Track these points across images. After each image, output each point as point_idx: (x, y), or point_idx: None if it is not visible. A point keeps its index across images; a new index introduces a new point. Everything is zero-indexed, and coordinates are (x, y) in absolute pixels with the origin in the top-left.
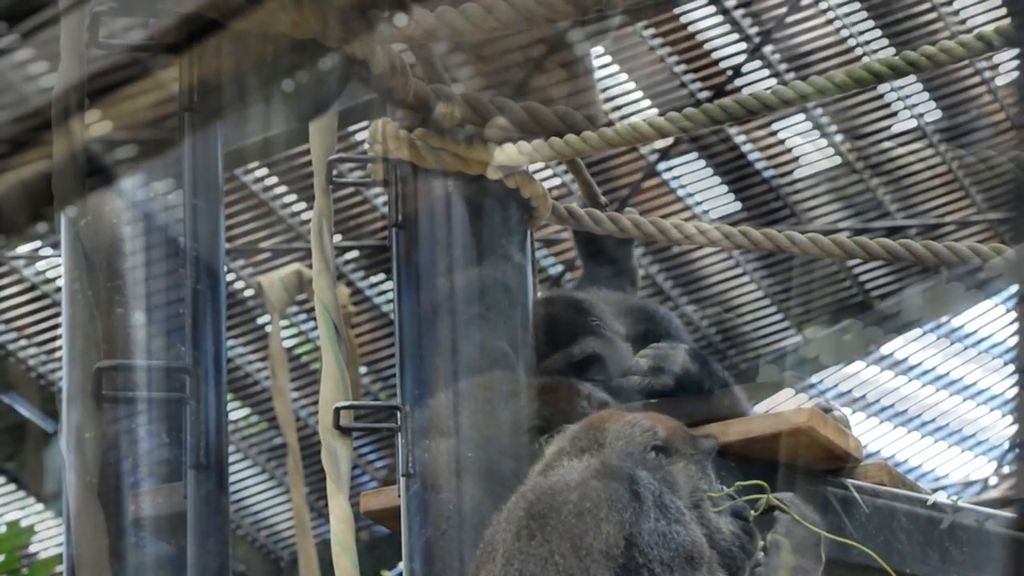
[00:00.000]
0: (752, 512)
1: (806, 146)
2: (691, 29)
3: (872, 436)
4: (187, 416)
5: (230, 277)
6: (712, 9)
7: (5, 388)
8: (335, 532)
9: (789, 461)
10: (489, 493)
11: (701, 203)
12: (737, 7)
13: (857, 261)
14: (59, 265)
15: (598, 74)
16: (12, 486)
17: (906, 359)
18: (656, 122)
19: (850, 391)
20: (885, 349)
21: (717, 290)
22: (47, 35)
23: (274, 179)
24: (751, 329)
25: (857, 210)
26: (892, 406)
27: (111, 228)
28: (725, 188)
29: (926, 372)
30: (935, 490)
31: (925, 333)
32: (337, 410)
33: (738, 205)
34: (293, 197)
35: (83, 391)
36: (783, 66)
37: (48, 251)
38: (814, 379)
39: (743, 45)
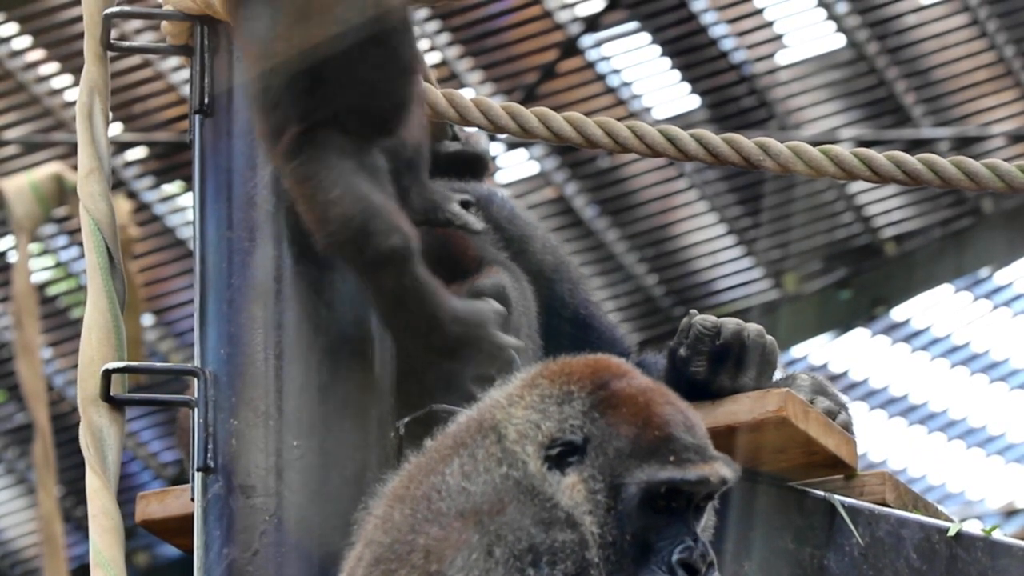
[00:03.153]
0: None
1: (795, 20)
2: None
3: (874, 436)
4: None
5: None
6: None
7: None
8: (96, 547)
9: (750, 466)
10: (322, 499)
11: (641, 96)
12: None
13: (862, 186)
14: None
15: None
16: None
17: (926, 329)
18: None
19: (844, 373)
20: (896, 314)
21: (661, 221)
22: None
23: (27, 40)
24: (709, 278)
25: (866, 114)
26: (904, 397)
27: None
28: (678, 75)
29: (955, 348)
30: (964, 519)
31: (958, 292)
32: (107, 373)
33: (696, 101)
34: (54, 67)
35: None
36: None
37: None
38: (794, 353)
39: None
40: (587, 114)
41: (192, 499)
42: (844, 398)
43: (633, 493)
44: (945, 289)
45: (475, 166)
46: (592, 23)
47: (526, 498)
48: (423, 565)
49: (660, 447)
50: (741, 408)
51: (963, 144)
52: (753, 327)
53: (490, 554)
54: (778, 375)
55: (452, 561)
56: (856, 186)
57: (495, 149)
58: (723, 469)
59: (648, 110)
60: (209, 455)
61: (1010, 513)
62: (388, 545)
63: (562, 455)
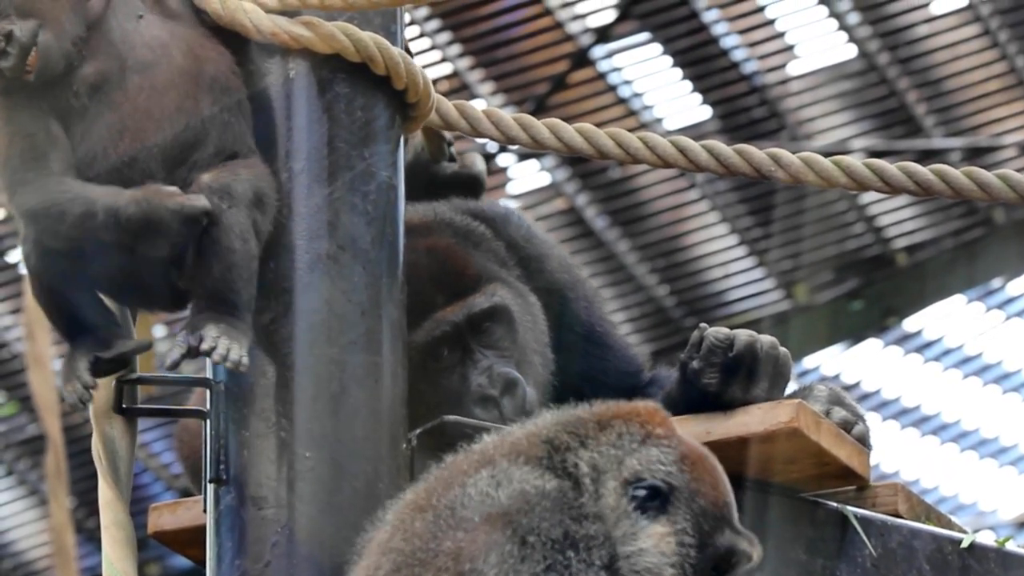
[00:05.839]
0: None
1: (806, 30)
2: None
3: (887, 447)
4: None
5: None
6: None
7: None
8: (108, 558)
9: (762, 478)
10: (333, 510)
11: (653, 106)
12: None
13: (873, 197)
14: None
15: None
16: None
17: (939, 340)
18: None
19: (856, 384)
20: (908, 325)
21: (672, 232)
22: None
23: None
24: (720, 288)
25: (877, 124)
26: (917, 408)
27: None
28: (689, 86)
29: (967, 359)
30: (977, 530)
31: (970, 302)
32: (119, 384)
33: (707, 111)
34: None
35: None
36: None
37: None
38: (806, 364)
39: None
40: (598, 125)
41: (204, 510)
42: (861, 409)
43: (710, 555)
44: (957, 300)
45: (471, 187)
46: (603, 34)
47: (559, 504)
48: (453, 567)
49: (727, 514)
50: (753, 419)
51: (975, 154)
52: (766, 339)
53: (524, 543)
54: (791, 387)
55: (486, 559)
56: (867, 197)
57: (506, 160)
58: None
59: (659, 121)
60: (221, 467)
61: (1023, 524)
62: (409, 553)
63: (645, 498)
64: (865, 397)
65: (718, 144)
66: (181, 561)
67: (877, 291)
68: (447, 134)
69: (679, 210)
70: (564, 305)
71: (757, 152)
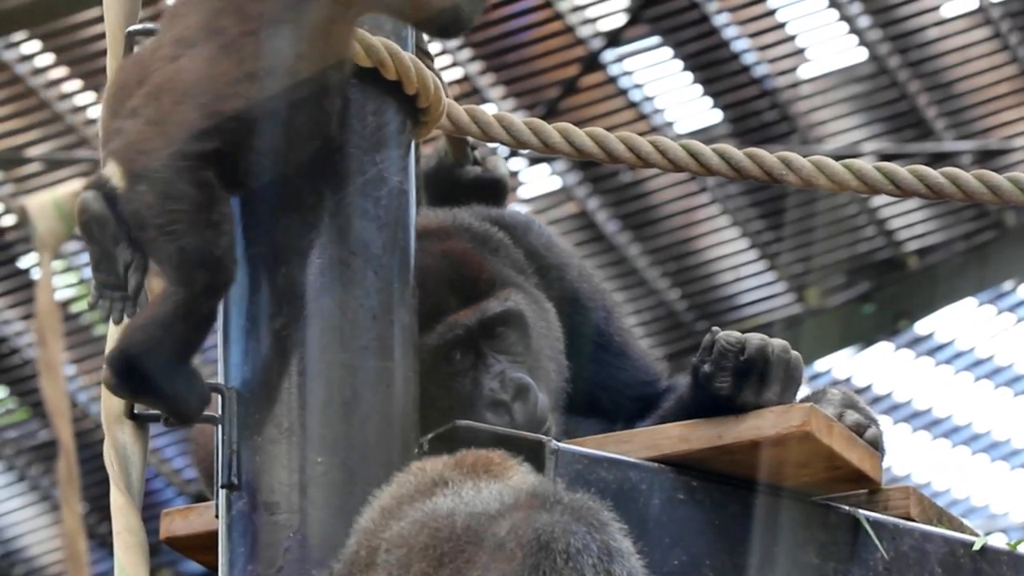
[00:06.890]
0: None
1: (817, 33)
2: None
3: (898, 450)
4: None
5: None
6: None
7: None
8: (120, 564)
9: (774, 482)
10: (346, 515)
11: (663, 110)
12: None
13: (884, 200)
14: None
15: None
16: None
17: (950, 342)
18: None
19: (867, 387)
20: (920, 328)
21: (683, 236)
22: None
23: (50, 58)
24: (731, 292)
25: (888, 128)
26: (929, 410)
27: None
28: (700, 90)
29: (978, 362)
30: (989, 533)
31: (981, 305)
32: None
33: (718, 115)
34: (77, 85)
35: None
36: None
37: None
38: (817, 367)
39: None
40: (609, 129)
41: (216, 516)
42: (874, 413)
43: None
44: (968, 302)
45: (495, 190)
46: (614, 38)
47: None
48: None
49: None
50: (765, 423)
51: (985, 157)
52: (778, 342)
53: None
54: (803, 390)
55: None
56: (878, 200)
57: (517, 164)
58: None
59: (670, 124)
60: (233, 472)
61: None
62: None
63: None
64: (877, 400)
65: (729, 148)
66: (193, 567)
67: (888, 294)
68: (471, 138)
69: (690, 214)
70: (583, 314)
71: (768, 156)
